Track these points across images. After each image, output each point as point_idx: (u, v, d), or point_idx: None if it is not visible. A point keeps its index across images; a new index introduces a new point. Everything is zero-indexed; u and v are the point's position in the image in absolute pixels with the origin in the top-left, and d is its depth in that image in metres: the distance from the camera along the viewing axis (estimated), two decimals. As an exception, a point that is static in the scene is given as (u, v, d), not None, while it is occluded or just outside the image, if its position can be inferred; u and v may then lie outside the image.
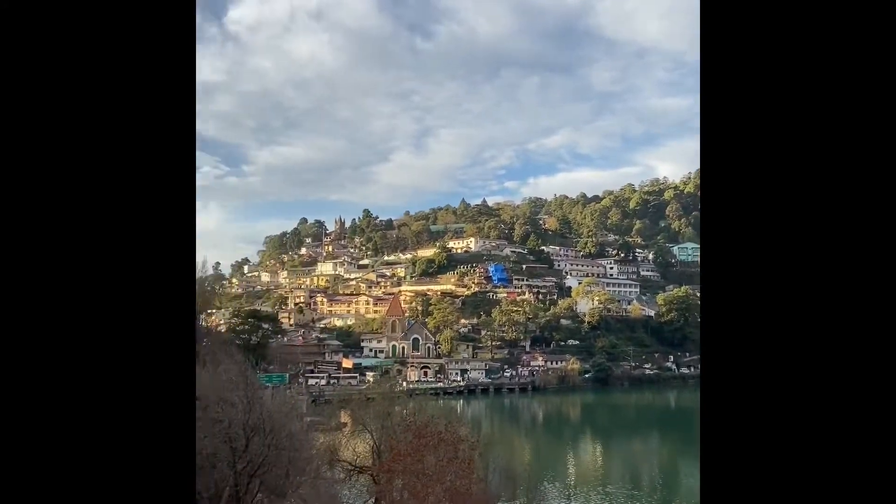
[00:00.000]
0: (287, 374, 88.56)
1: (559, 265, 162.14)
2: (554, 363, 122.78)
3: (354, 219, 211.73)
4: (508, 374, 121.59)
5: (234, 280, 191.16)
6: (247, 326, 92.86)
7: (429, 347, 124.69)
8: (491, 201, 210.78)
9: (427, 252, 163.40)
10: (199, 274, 67.41)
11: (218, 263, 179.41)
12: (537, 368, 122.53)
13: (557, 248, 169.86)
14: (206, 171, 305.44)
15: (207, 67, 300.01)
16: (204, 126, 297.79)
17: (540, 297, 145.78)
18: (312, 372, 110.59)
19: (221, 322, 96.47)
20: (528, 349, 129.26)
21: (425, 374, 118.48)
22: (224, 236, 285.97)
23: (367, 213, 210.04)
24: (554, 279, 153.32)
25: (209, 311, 74.79)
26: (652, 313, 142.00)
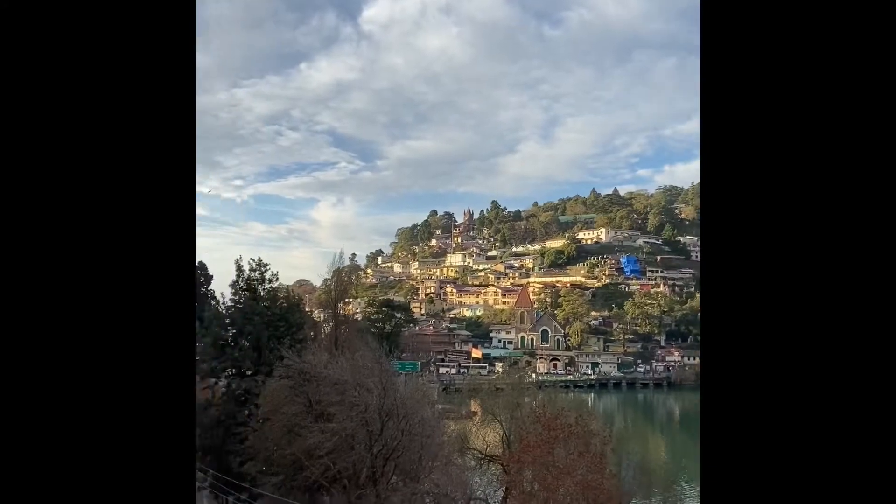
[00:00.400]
0: (419, 363, 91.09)
1: (697, 256, 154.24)
2: (691, 358, 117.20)
3: (483, 210, 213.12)
4: (642, 369, 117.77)
5: (368, 270, 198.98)
6: (381, 315, 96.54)
7: (558, 340, 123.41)
8: (623, 190, 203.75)
9: (556, 243, 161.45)
10: (336, 265, 70.90)
11: (354, 255, 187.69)
12: (673, 364, 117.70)
13: (695, 238, 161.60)
14: (343, 166, 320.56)
15: (343, 66, 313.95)
16: (340, 124, 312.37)
17: (676, 289, 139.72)
18: (443, 361, 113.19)
19: (357, 311, 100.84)
20: (662, 343, 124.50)
21: (555, 366, 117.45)
22: (359, 228, 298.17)
23: (495, 204, 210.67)
24: (691, 271, 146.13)
25: (346, 300, 78.36)
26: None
